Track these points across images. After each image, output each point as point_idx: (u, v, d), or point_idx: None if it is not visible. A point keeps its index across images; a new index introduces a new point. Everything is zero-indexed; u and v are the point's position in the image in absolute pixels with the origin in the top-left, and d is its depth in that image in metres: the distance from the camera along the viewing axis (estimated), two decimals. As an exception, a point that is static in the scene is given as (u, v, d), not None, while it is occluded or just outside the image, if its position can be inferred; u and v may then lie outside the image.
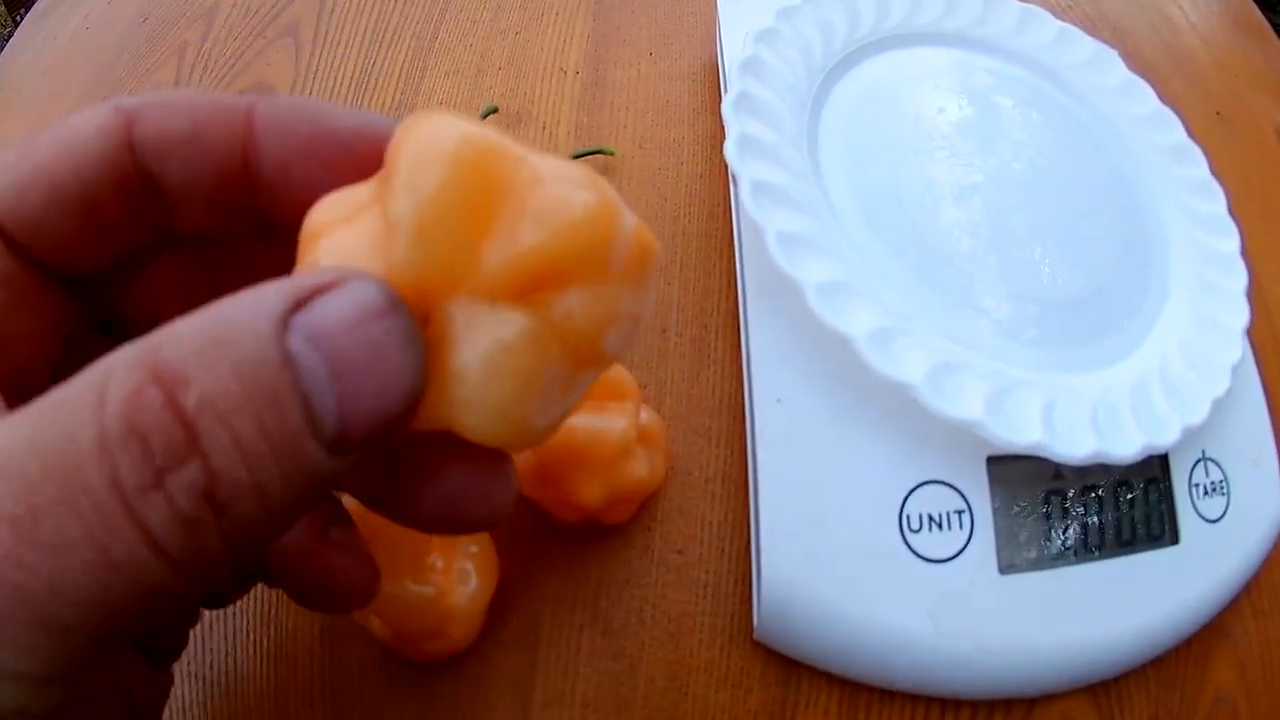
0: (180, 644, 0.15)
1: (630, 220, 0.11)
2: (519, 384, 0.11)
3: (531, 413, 0.11)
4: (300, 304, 0.09)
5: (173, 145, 0.12)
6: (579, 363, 0.12)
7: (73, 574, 0.08)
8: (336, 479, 0.10)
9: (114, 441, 0.08)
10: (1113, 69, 0.29)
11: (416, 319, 0.10)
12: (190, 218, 0.13)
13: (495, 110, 0.26)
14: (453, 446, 0.11)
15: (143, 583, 0.08)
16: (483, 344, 0.10)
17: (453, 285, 0.10)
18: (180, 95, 0.12)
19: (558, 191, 0.11)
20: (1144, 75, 0.29)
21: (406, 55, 0.30)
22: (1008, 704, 0.22)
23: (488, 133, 0.11)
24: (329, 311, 0.09)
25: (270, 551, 0.13)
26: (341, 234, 0.11)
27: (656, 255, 0.12)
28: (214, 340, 0.09)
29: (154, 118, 0.12)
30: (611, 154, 0.27)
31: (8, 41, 0.38)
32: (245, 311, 0.09)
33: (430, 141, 0.10)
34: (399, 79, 0.30)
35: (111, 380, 0.08)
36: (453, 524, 0.12)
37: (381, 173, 0.11)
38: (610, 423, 0.20)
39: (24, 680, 0.08)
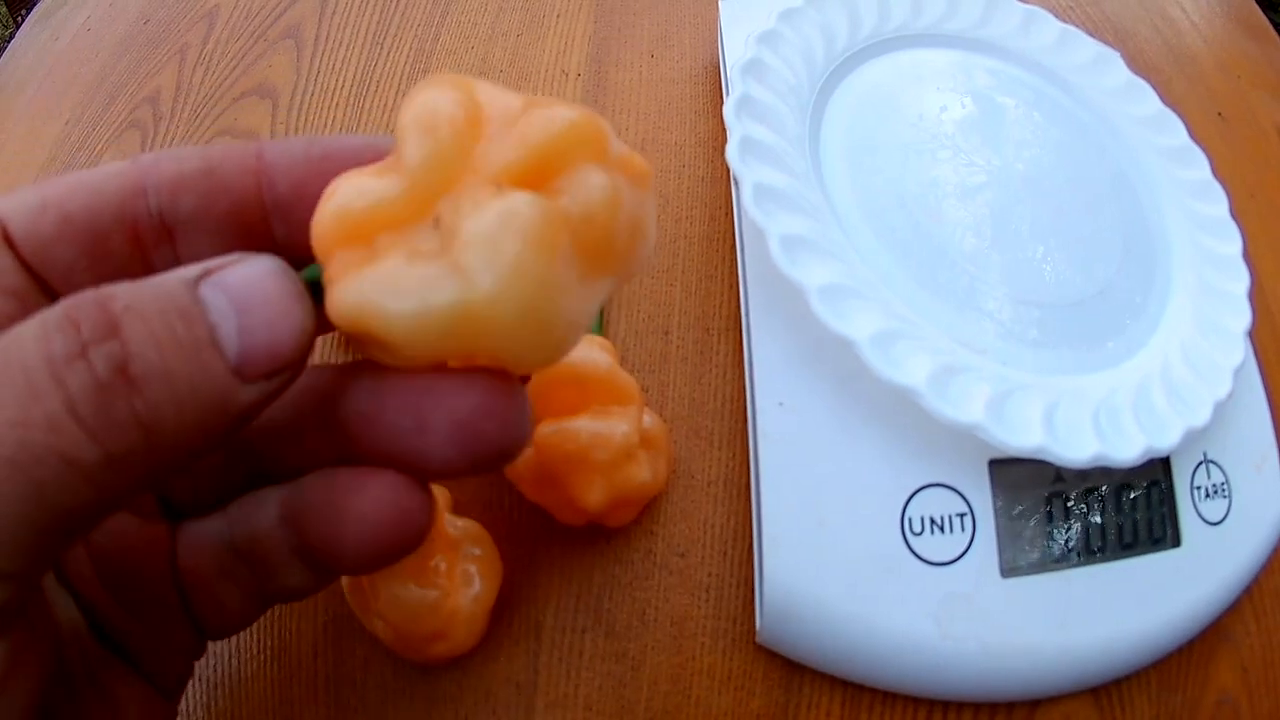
0: (186, 674, 0.15)
1: (619, 143, 0.12)
2: (530, 245, 0.10)
3: (547, 290, 0.11)
4: (211, 271, 0.11)
5: (187, 182, 0.13)
6: (592, 255, 0.11)
7: None
8: (241, 413, 0.11)
9: (51, 326, 0.10)
10: (1114, 70, 0.29)
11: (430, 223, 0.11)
12: (201, 250, 0.13)
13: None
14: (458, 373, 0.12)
15: (59, 446, 0.09)
16: (491, 209, 0.11)
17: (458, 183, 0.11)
18: (190, 148, 0.14)
19: (551, 105, 0.11)
20: (1146, 76, 0.29)
21: (408, 58, 0.30)
22: (1010, 707, 0.22)
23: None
24: (233, 272, 0.11)
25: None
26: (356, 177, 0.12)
27: (650, 174, 0.13)
28: (143, 283, 0.11)
29: (167, 164, 0.13)
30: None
31: (9, 43, 0.38)
32: (168, 274, 0.11)
33: (429, 90, 0.11)
34: (400, 81, 0.30)
35: (63, 300, 0.10)
36: (469, 453, 0.12)
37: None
38: (613, 426, 0.20)
39: None
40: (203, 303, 0.11)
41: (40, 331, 0.10)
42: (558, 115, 0.11)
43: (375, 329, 0.11)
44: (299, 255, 0.13)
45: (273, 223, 0.14)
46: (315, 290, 0.12)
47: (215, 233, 0.13)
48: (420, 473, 0.12)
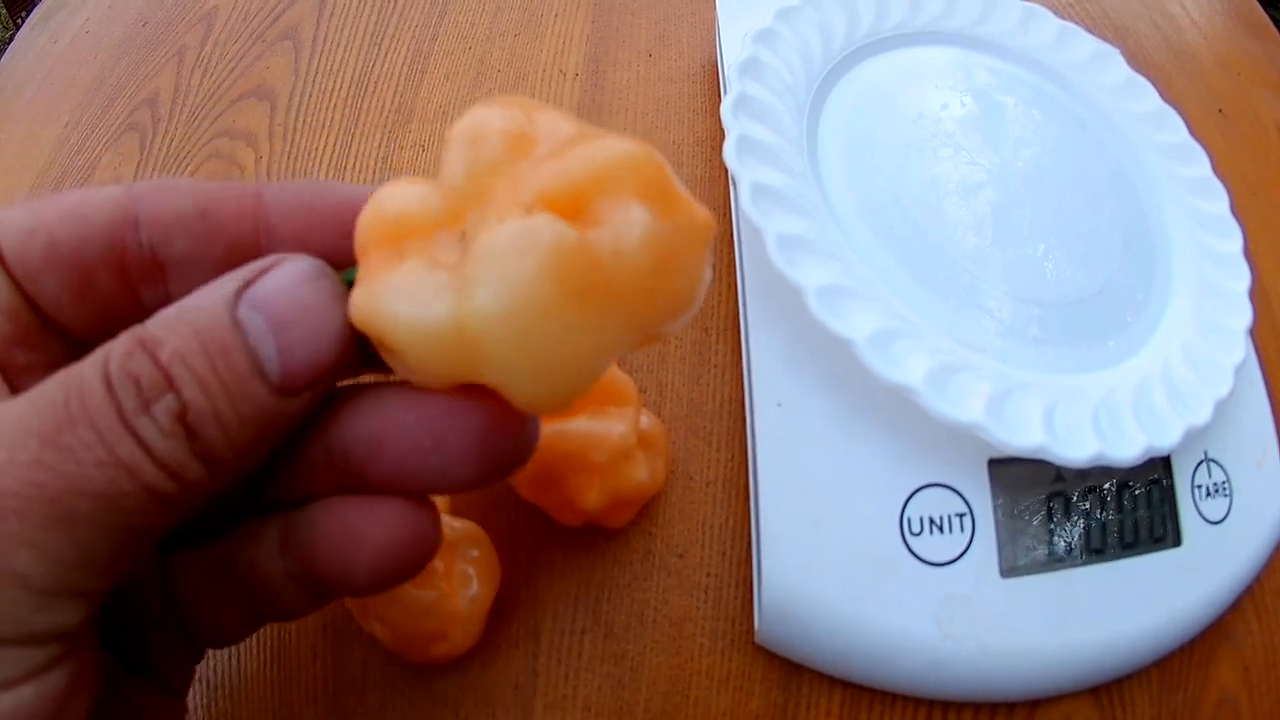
0: (189, 676, 0.15)
1: (685, 190, 0.11)
2: (540, 268, 0.10)
3: (549, 321, 0.10)
4: (249, 284, 0.12)
5: (179, 222, 0.13)
6: (616, 299, 0.11)
7: (85, 469, 0.10)
8: (291, 418, 0.12)
9: (115, 380, 0.11)
10: (1114, 68, 0.29)
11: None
12: (191, 291, 0.13)
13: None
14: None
15: (139, 478, 0.11)
16: (510, 227, 0.10)
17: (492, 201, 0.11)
18: (186, 180, 0.14)
19: (608, 137, 0.11)
20: (1146, 73, 0.29)
21: (405, 58, 0.30)
22: (1010, 707, 0.22)
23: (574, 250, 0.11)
24: (268, 282, 0.12)
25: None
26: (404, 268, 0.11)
27: (712, 228, 0.12)
28: (182, 314, 0.11)
29: (159, 196, 0.13)
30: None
31: (8, 45, 0.38)
32: (208, 293, 0.12)
33: (484, 107, 0.12)
34: (398, 82, 0.30)
35: (112, 347, 0.11)
36: (485, 467, 0.12)
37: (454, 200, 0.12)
38: (610, 426, 0.20)
39: (31, 588, 0.10)
40: (242, 327, 0.11)
41: (103, 383, 0.11)
42: (608, 146, 0.11)
43: (385, 334, 0.11)
44: None
45: None
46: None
47: (210, 273, 0.13)
48: (433, 490, 0.13)
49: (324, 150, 0.29)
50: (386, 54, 0.31)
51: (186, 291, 0.13)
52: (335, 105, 0.30)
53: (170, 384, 0.11)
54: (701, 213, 0.12)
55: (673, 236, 0.11)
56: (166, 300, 0.13)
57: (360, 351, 0.12)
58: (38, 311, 0.13)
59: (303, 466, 0.13)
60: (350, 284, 0.12)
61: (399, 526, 0.13)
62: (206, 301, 0.11)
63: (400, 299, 0.11)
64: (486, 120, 0.11)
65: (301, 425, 0.13)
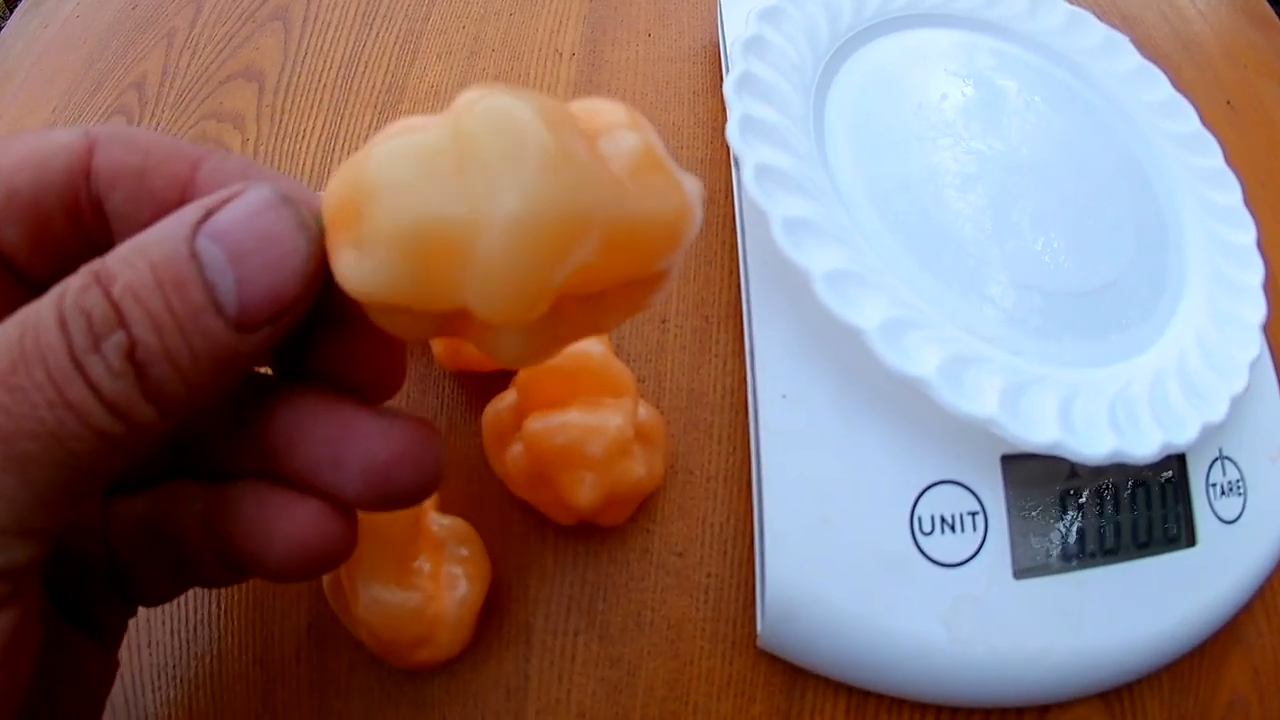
0: (121, 627, 0.15)
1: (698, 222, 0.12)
2: (536, 112, 0.10)
3: (549, 153, 0.10)
4: (210, 213, 0.11)
5: (121, 178, 0.13)
6: (608, 173, 0.11)
7: (36, 411, 0.10)
8: (250, 356, 0.11)
9: (68, 317, 0.10)
10: (1125, 55, 0.28)
11: None
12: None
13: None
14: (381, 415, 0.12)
15: (87, 420, 0.10)
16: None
17: None
18: (142, 132, 0.13)
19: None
20: (1155, 62, 0.27)
21: (398, 37, 0.29)
22: (1020, 712, 0.21)
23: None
24: (228, 212, 0.11)
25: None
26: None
27: (702, 187, 0.12)
28: (139, 247, 0.11)
29: (113, 149, 0.13)
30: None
31: (0, 31, 0.36)
32: (167, 224, 0.11)
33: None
34: (390, 61, 0.28)
35: (69, 282, 0.11)
36: (381, 494, 0.12)
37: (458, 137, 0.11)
38: (606, 419, 0.18)
39: None
40: (199, 258, 0.11)
41: (57, 320, 0.10)
42: (614, 103, 0.12)
43: (358, 182, 0.10)
44: None
45: None
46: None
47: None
48: (334, 501, 0.13)
49: (312, 131, 0.27)
50: (378, 33, 0.29)
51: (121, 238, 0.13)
52: (325, 86, 0.28)
53: (120, 320, 0.10)
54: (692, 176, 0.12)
55: (665, 154, 0.11)
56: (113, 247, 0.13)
57: (329, 307, 0.12)
58: (5, 264, 0.13)
59: (233, 442, 0.13)
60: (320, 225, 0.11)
61: (309, 528, 0.12)
62: (165, 233, 0.11)
63: (385, 142, 0.10)
64: (496, 89, 0.11)
65: (245, 396, 0.13)
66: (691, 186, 0.12)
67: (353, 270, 0.10)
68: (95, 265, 0.11)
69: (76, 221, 0.13)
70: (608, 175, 0.10)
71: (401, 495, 0.12)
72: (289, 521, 0.12)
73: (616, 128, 0.11)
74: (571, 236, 0.10)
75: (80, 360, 0.10)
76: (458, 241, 0.10)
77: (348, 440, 0.12)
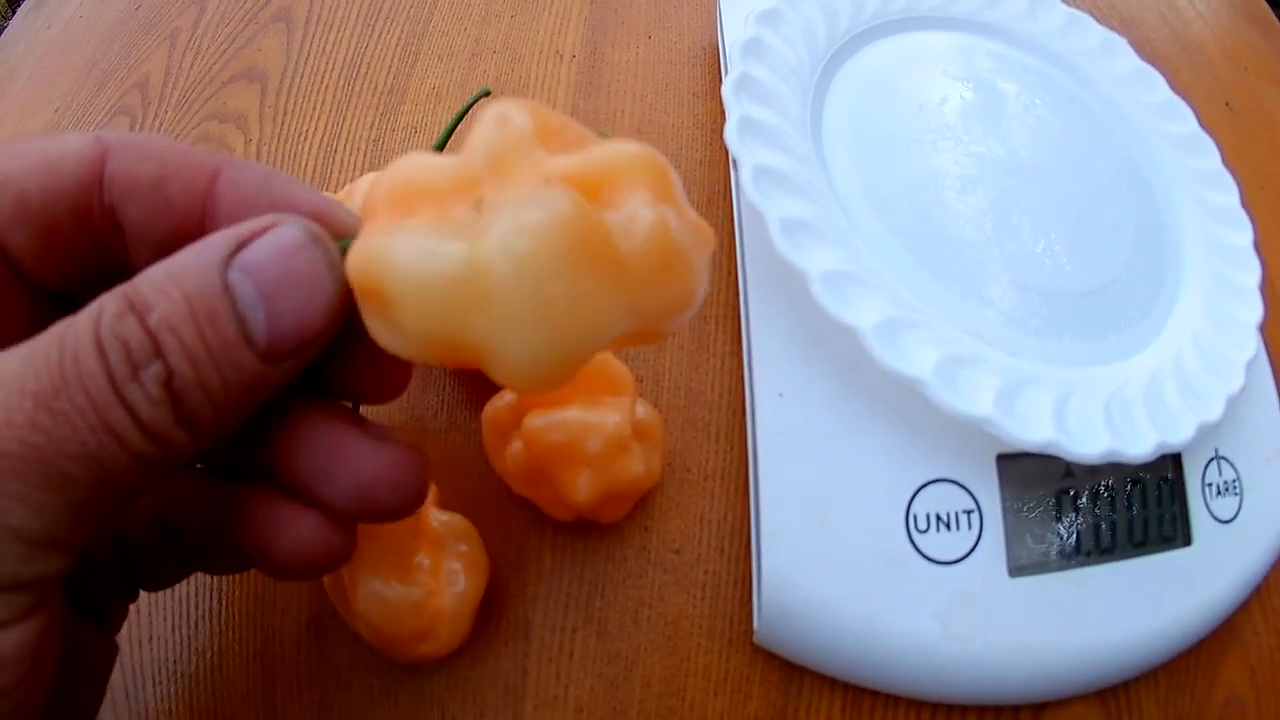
0: (123, 613, 0.16)
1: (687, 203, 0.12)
2: (554, 222, 0.10)
3: (557, 277, 0.10)
4: (241, 246, 0.11)
5: (137, 187, 0.13)
6: (623, 283, 0.11)
7: (78, 435, 0.10)
8: (276, 383, 0.12)
9: (106, 344, 0.11)
10: (1123, 57, 0.28)
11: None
12: (147, 259, 0.13)
13: (488, 94, 0.25)
14: (366, 436, 0.13)
15: (126, 444, 0.11)
16: (531, 188, 0.11)
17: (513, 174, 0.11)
18: (156, 141, 0.13)
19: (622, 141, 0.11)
20: (1153, 64, 0.27)
21: (399, 39, 0.29)
22: (1015, 710, 0.21)
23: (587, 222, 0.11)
24: (260, 247, 0.11)
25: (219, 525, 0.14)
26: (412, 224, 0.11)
27: (713, 237, 0.12)
28: (172, 275, 0.11)
29: (127, 157, 0.13)
30: (609, 138, 0.25)
31: (2, 32, 0.36)
32: (200, 253, 0.11)
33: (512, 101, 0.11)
34: (392, 62, 0.28)
35: (105, 306, 0.11)
36: (364, 510, 0.13)
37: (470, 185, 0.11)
38: (604, 417, 0.18)
39: (23, 540, 0.10)
40: (232, 291, 0.11)
41: (95, 346, 0.11)
42: (625, 145, 0.11)
43: (384, 279, 0.11)
44: None
45: None
46: None
47: (157, 247, 0.13)
48: (328, 510, 0.13)
49: (315, 132, 0.27)
50: (380, 35, 0.29)
51: (140, 261, 0.13)
52: (327, 87, 0.28)
53: (158, 350, 0.11)
54: (704, 222, 0.12)
55: (679, 231, 0.11)
56: (124, 261, 0.14)
57: (348, 324, 0.12)
58: (6, 261, 0.13)
59: (242, 442, 0.14)
60: (345, 252, 0.12)
61: (311, 537, 0.13)
62: (197, 262, 0.11)
63: (408, 242, 0.11)
64: (514, 108, 0.11)
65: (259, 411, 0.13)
66: (701, 255, 0.12)
67: (384, 339, 0.11)
68: (129, 290, 0.11)
69: (87, 228, 0.13)
70: (621, 302, 0.11)
71: (383, 512, 0.13)
72: (294, 529, 0.13)
73: (633, 191, 0.11)
74: (584, 358, 0.11)
75: (120, 388, 0.11)
76: (481, 347, 0.11)
77: (338, 457, 0.13)
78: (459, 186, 0.11)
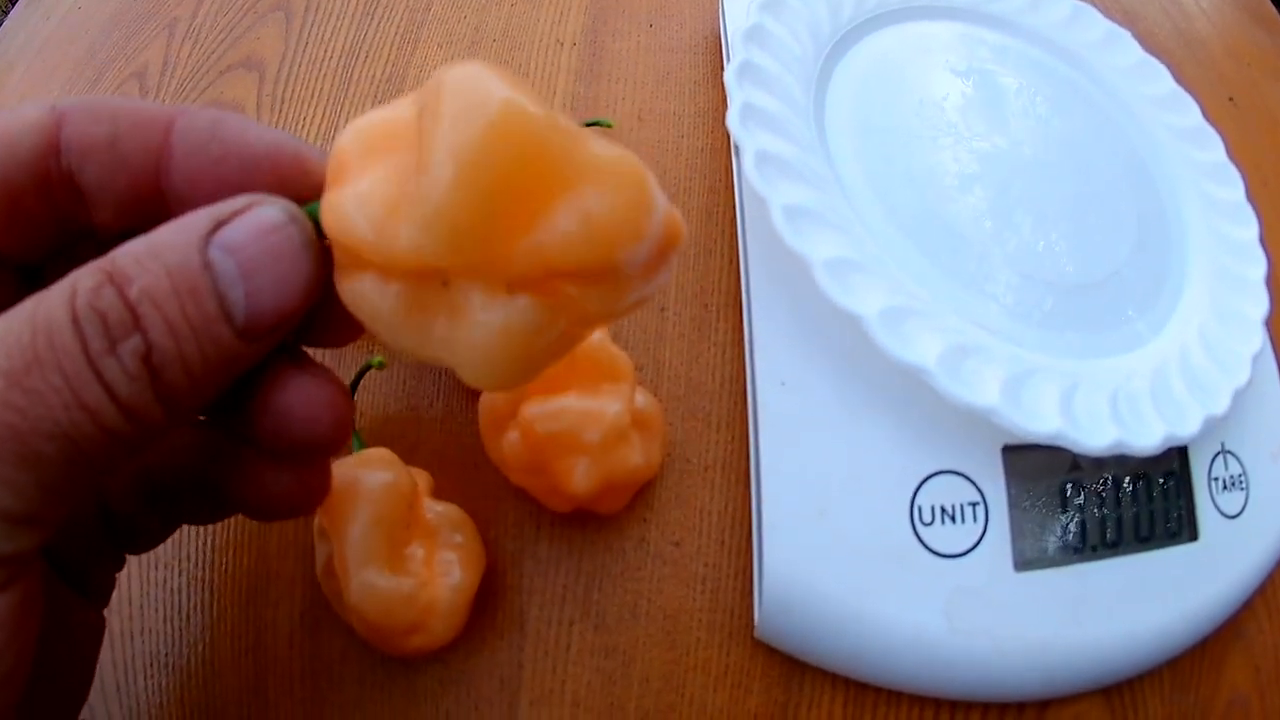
0: (109, 582, 0.16)
1: (661, 208, 0.11)
2: (517, 357, 0.11)
3: (519, 375, 0.11)
4: (220, 224, 0.11)
5: (93, 150, 0.13)
6: (579, 330, 0.11)
7: (52, 413, 0.10)
8: (251, 359, 0.12)
9: (82, 318, 0.10)
10: (1127, 49, 0.27)
11: (432, 280, 0.11)
12: (108, 218, 0.13)
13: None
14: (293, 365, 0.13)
15: (100, 421, 0.11)
16: (494, 321, 0.11)
17: (472, 265, 0.11)
18: (108, 101, 0.13)
19: (605, 200, 0.10)
20: (1156, 58, 0.27)
21: (399, 26, 0.28)
22: (1020, 707, 0.20)
23: (529, 105, 0.10)
24: (240, 226, 0.11)
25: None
26: (369, 176, 0.11)
27: (682, 241, 0.11)
28: (153, 250, 0.11)
29: (81, 120, 0.13)
30: (609, 126, 0.25)
31: (1, 24, 0.36)
32: (179, 231, 0.11)
33: (472, 112, 0.10)
34: (391, 50, 0.28)
35: (79, 280, 0.11)
36: (284, 442, 0.13)
37: (421, 108, 0.11)
38: (603, 405, 0.18)
39: (2, 519, 0.10)
40: (213, 269, 0.11)
41: (70, 320, 0.10)
42: (606, 225, 0.10)
43: (346, 236, 0.11)
44: None
45: (170, 206, 0.13)
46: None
47: (116, 205, 0.13)
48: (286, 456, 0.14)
49: (313, 119, 0.27)
50: (380, 22, 0.29)
51: (102, 222, 0.13)
52: (325, 75, 0.28)
53: (137, 323, 0.11)
54: (671, 230, 0.11)
55: (635, 288, 0.11)
56: (89, 223, 0.13)
57: (324, 295, 0.12)
58: None
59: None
60: (316, 219, 0.12)
61: (288, 488, 0.14)
62: (178, 239, 0.11)
63: (362, 204, 0.10)
64: (476, 175, 0.10)
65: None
66: (638, 291, 0.11)
67: (351, 300, 0.11)
68: (105, 264, 0.11)
69: (48, 198, 0.13)
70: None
71: (301, 445, 0.13)
72: (274, 482, 0.14)
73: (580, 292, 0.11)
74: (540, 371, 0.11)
75: (96, 363, 0.10)
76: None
77: (269, 389, 0.13)
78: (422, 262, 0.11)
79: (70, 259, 0.13)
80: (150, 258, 0.11)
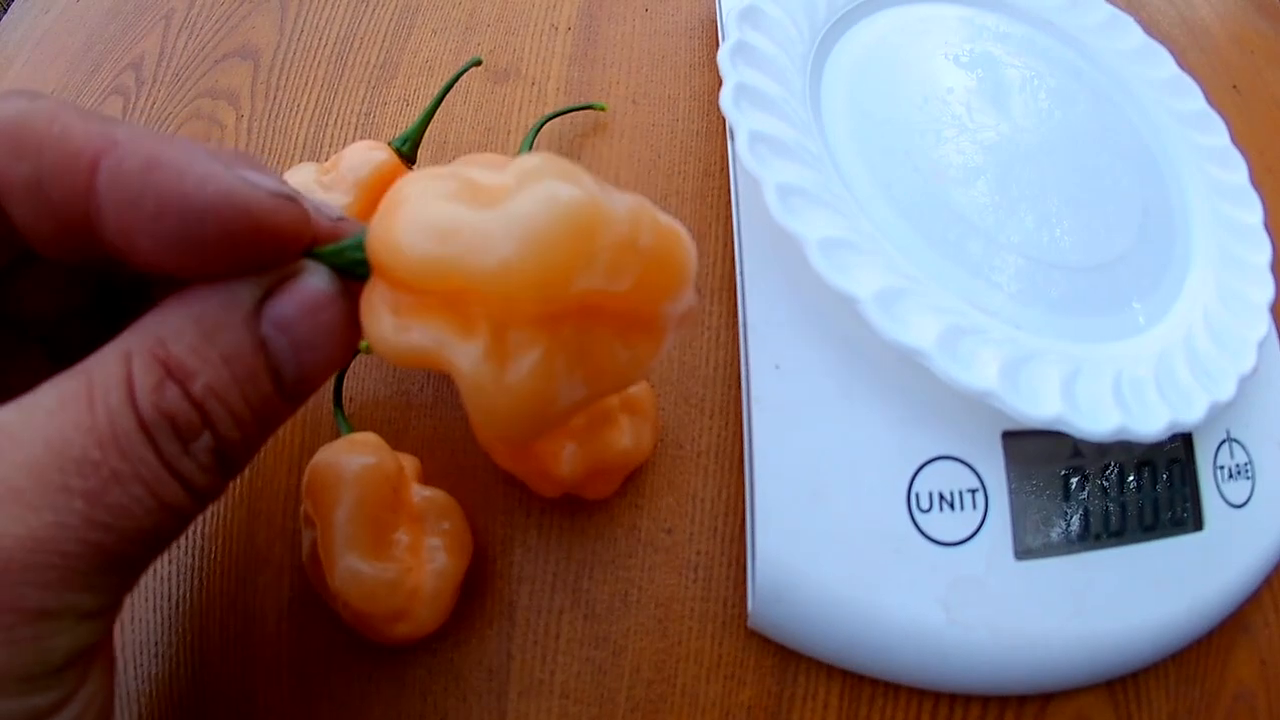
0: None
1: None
2: (534, 407, 0.11)
3: (530, 429, 0.11)
4: (269, 294, 0.11)
5: (17, 191, 0.11)
6: (598, 385, 0.11)
7: (136, 521, 0.10)
8: (294, 411, 0.12)
9: (151, 425, 0.10)
10: (1129, 33, 0.26)
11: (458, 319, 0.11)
12: (52, 255, 0.12)
13: (479, 63, 0.24)
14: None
15: (179, 511, 0.11)
16: (524, 367, 0.10)
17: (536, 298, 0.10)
18: (35, 127, 0.11)
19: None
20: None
21: (393, 13, 0.28)
22: (1020, 701, 0.19)
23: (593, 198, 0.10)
24: (292, 302, 0.11)
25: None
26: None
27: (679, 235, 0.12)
28: (205, 334, 0.11)
29: (3, 156, 0.11)
30: (602, 109, 0.24)
31: (2, 18, 0.36)
32: (228, 307, 0.11)
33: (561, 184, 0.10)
34: (385, 37, 0.27)
35: (138, 377, 0.10)
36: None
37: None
38: (592, 387, 0.17)
39: (89, 616, 0.11)
40: (267, 348, 0.11)
41: (139, 427, 0.10)
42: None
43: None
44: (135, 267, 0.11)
45: (109, 251, 0.11)
46: (358, 266, 0.12)
47: (57, 246, 0.12)
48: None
49: (306, 107, 0.26)
50: (374, 9, 0.28)
51: (47, 253, 0.12)
52: (319, 62, 0.27)
53: (205, 420, 0.11)
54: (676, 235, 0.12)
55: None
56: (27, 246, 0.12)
57: None
58: None
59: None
60: (341, 262, 0.12)
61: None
62: (227, 318, 0.11)
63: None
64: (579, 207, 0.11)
65: None
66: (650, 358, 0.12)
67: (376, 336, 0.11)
68: (158, 350, 0.11)
69: None
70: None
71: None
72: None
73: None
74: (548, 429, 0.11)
75: (173, 465, 0.11)
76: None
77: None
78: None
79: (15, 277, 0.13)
80: (205, 343, 0.11)
